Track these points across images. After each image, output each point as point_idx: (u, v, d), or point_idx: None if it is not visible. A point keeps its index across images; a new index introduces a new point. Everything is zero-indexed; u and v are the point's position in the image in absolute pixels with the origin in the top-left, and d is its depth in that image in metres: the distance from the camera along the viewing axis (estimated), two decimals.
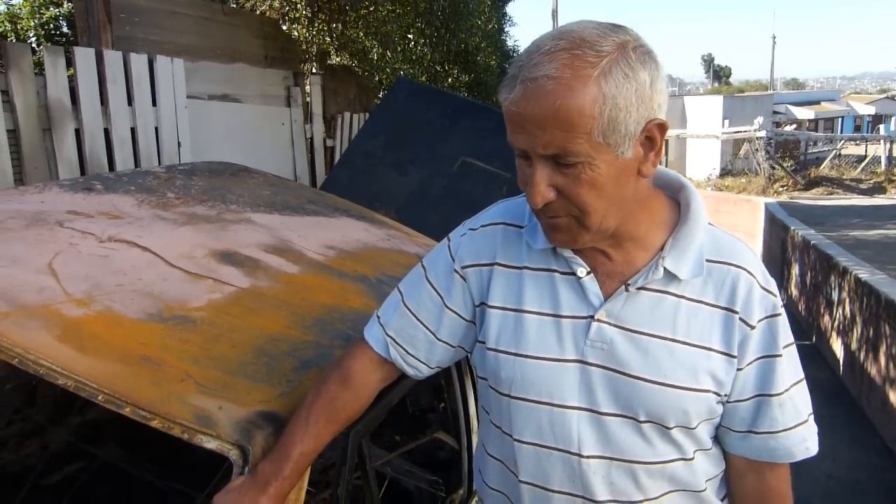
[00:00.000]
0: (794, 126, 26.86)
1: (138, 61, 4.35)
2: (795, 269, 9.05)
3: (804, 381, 1.02)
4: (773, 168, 17.94)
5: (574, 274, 1.01)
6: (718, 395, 0.98)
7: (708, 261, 0.97)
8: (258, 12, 6.52)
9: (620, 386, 0.97)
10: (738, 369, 0.97)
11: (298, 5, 6.05)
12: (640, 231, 0.98)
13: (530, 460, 1.04)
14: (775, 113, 27.15)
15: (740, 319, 0.96)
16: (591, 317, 0.99)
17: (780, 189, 16.86)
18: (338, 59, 6.91)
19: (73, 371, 1.05)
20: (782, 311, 0.99)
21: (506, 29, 12.69)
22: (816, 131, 27.25)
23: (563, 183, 0.89)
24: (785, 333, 0.99)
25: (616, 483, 1.00)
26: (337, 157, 6.78)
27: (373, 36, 6.68)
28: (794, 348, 1.01)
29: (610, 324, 0.98)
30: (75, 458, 2.30)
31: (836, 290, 6.94)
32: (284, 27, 6.37)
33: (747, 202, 13.20)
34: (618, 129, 0.85)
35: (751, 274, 0.97)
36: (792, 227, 9.57)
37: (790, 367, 1.00)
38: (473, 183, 3.39)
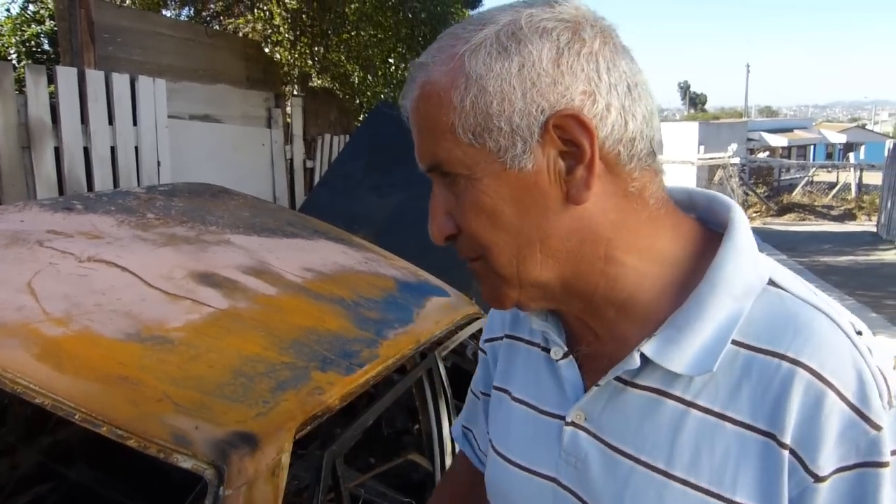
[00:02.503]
0: (768, 153, 27.45)
1: (120, 81, 4.36)
2: None
3: None
4: (747, 194, 18.31)
5: (549, 351, 0.74)
6: None
7: (742, 345, 0.59)
8: (241, 34, 6.58)
9: None
10: None
11: (281, 28, 6.12)
12: (623, 291, 0.65)
13: None
14: (749, 140, 27.72)
15: (793, 456, 0.56)
16: (564, 417, 0.71)
17: (754, 215, 17.21)
18: (319, 81, 6.98)
19: (51, 390, 1.07)
20: (891, 458, 0.55)
21: None
22: (789, 158, 27.84)
23: (454, 208, 0.66)
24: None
25: None
26: (317, 178, 6.81)
27: (354, 60, 6.77)
28: None
29: (587, 431, 0.68)
30: (45, 478, 2.28)
31: None
32: (266, 49, 6.44)
33: None
34: (496, 126, 0.59)
35: (818, 376, 0.56)
36: (765, 253, 9.75)
37: None
38: None
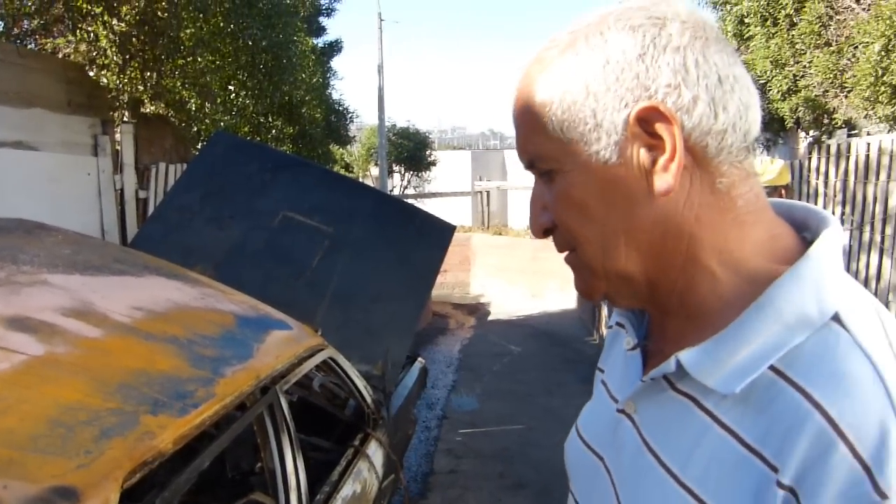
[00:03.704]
0: None
1: None
2: (605, 311, 9.90)
3: None
4: None
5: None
6: None
7: (781, 374, 0.57)
8: (61, 55, 6.10)
9: None
10: None
11: (108, 51, 5.74)
12: (697, 295, 0.65)
13: None
14: None
15: (788, 491, 0.54)
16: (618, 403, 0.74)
17: None
18: (152, 107, 6.62)
19: None
20: None
21: (331, 82, 12.92)
22: None
23: (549, 203, 0.68)
24: None
25: None
26: (151, 209, 6.43)
27: (191, 86, 6.49)
28: None
29: (632, 421, 0.70)
30: None
31: None
32: (92, 73, 6.01)
33: None
34: (581, 120, 0.62)
35: (833, 424, 0.53)
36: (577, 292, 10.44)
37: None
38: (294, 238, 3.41)
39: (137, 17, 5.62)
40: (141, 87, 6.05)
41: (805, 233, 0.66)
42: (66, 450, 1.11)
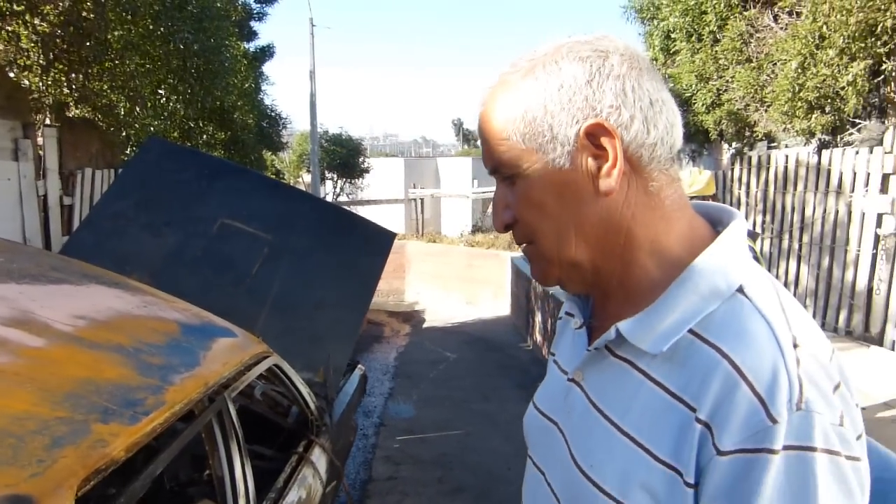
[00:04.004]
0: None
1: None
2: (538, 317, 10.11)
3: None
4: None
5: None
6: None
7: (698, 336, 0.71)
8: None
9: (566, 464, 0.82)
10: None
11: (30, 52, 5.51)
12: (632, 279, 0.79)
13: None
14: None
15: (707, 429, 0.66)
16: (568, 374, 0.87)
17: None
18: (78, 111, 6.37)
19: None
20: (784, 452, 0.62)
21: (263, 88, 12.75)
22: None
23: (511, 202, 0.80)
24: (779, 496, 0.62)
25: None
26: (76, 216, 6.19)
27: (119, 90, 6.29)
28: None
29: (580, 387, 0.83)
30: None
31: None
32: (12, 74, 5.75)
33: (496, 256, 14.37)
34: (540, 133, 0.74)
35: (737, 369, 0.66)
36: (533, 279, 10.64)
37: None
38: (233, 244, 3.37)
39: (62, 18, 5.43)
40: (66, 90, 5.84)
41: (719, 227, 0.80)
42: (17, 459, 1.10)
